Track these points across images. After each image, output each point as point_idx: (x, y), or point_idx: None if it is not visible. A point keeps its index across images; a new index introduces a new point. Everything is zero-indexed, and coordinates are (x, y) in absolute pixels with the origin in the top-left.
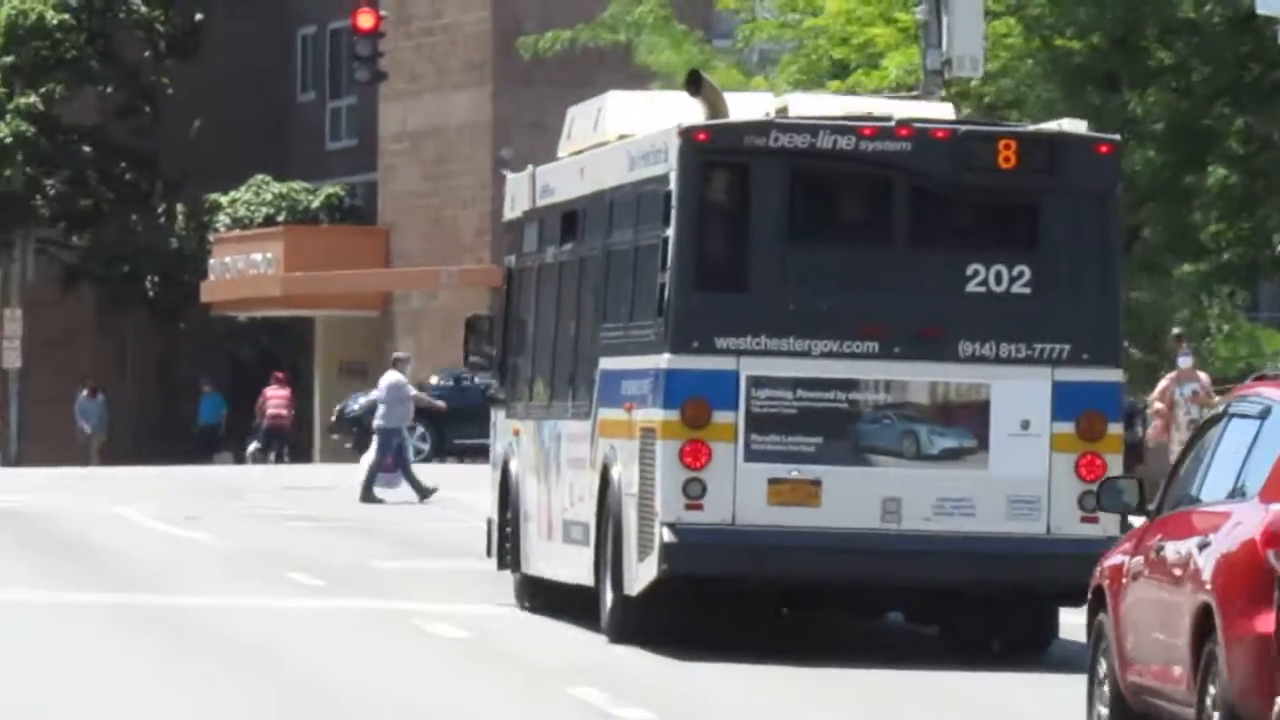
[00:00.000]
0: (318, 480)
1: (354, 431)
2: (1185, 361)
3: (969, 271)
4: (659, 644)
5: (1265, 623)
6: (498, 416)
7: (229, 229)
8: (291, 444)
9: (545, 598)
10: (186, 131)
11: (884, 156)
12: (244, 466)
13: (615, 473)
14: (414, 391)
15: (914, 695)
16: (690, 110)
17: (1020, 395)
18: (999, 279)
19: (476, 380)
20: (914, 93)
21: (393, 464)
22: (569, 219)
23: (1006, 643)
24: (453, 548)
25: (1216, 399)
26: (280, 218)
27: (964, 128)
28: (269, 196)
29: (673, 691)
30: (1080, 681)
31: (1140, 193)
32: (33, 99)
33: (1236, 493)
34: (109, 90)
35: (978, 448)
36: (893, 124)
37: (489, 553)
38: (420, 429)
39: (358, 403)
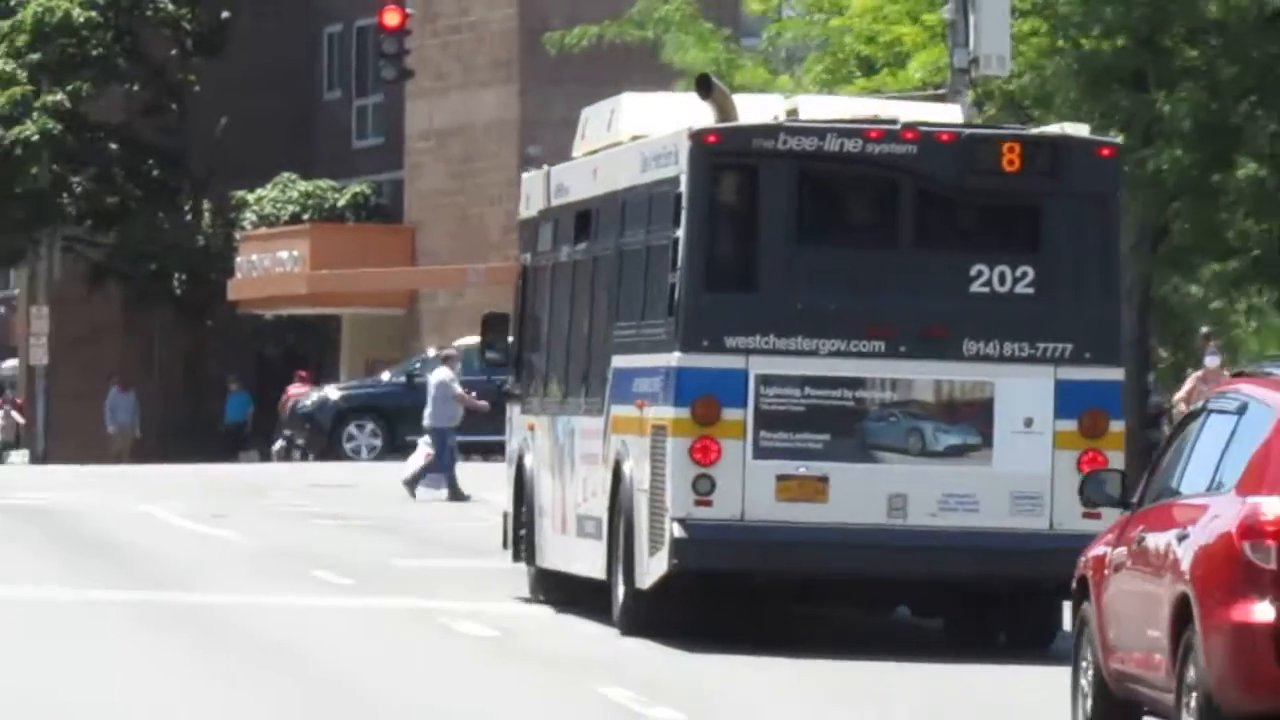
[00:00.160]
0: (343, 478)
1: (307, 429)
2: (1212, 361)
3: (973, 272)
4: (669, 637)
5: (1241, 612)
6: (513, 412)
7: (255, 227)
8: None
9: (559, 591)
10: (213, 129)
11: (890, 159)
12: (269, 464)
13: (627, 468)
14: (458, 390)
15: (930, 690)
16: (701, 112)
17: (1023, 393)
18: (1003, 280)
19: (430, 378)
20: (940, 91)
21: (440, 464)
22: (583, 218)
23: (1011, 636)
24: (478, 545)
25: None
26: (306, 216)
27: (968, 131)
28: (295, 194)
29: (698, 690)
30: None
31: (1167, 192)
32: (59, 97)
33: (1214, 486)
34: (135, 88)
35: (982, 445)
36: (898, 127)
37: (505, 545)
38: (371, 425)
39: (310, 399)
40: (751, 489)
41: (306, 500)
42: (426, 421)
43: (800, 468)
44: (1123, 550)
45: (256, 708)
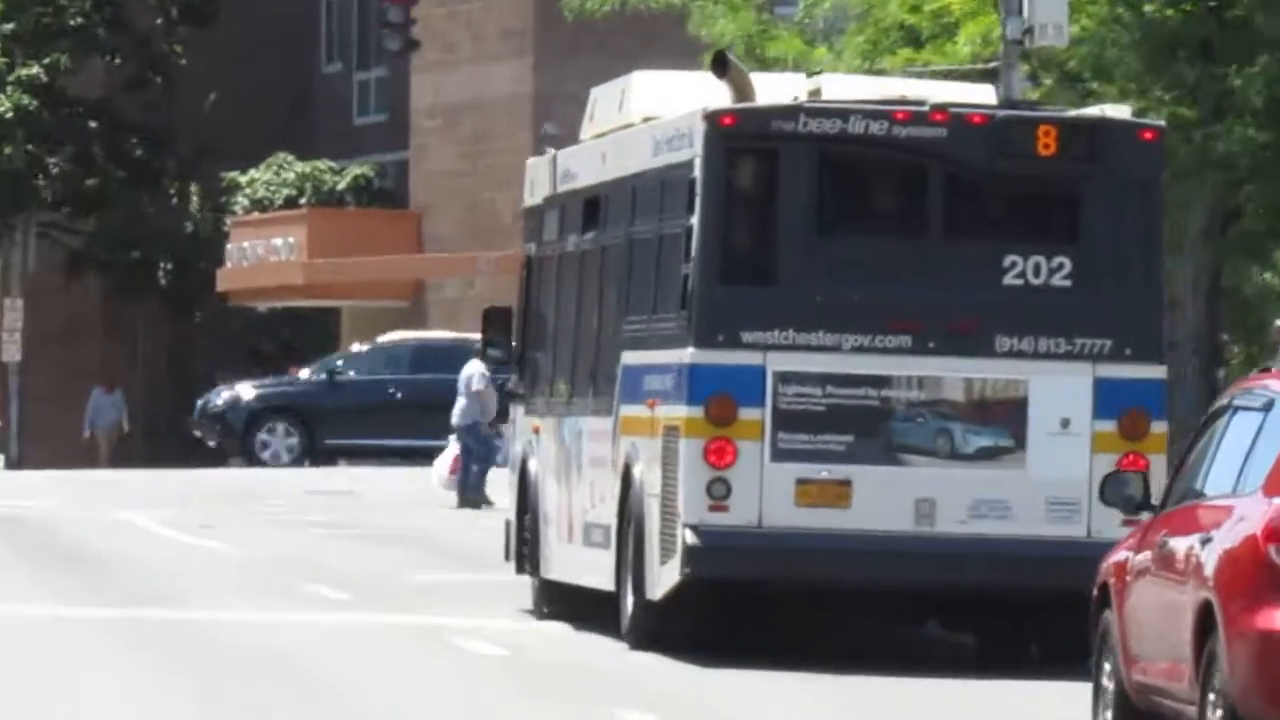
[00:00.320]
0: (341, 484)
1: (218, 429)
2: None
3: (1006, 263)
4: (681, 651)
5: (1266, 619)
6: (516, 413)
7: (247, 212)
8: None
9: (565, 604)
10: (201, 105)
11: (918, 142)
12: (261, 469)
13: (637, 472)
14: (478, 385)
15: (954, 707)
16: (718, 92)
17: (1060, 392)
18: (1037, 271)
19: (353, 375)
20: (992, 64)
21: (475, 463)
22: (591, 206)
23: (1045, 651)
24: (487, 556)
25: None
26: (303, 199)
27: (1001, 113)
28: (291, 176)
29: (715, 710)
30: None
31: (1239, 173)
32: (35, 70)
33: (1240, 487)
34: (117, 61)
35: (1015, 447)
36: (927, 108)
37: (507, 556)
38: (287, 428)
39: (221, 396)
40: (769, 493)
41: (300, 508)
42: (456, 420)
43: (821, 471)
44: (1145, 556)
45: None
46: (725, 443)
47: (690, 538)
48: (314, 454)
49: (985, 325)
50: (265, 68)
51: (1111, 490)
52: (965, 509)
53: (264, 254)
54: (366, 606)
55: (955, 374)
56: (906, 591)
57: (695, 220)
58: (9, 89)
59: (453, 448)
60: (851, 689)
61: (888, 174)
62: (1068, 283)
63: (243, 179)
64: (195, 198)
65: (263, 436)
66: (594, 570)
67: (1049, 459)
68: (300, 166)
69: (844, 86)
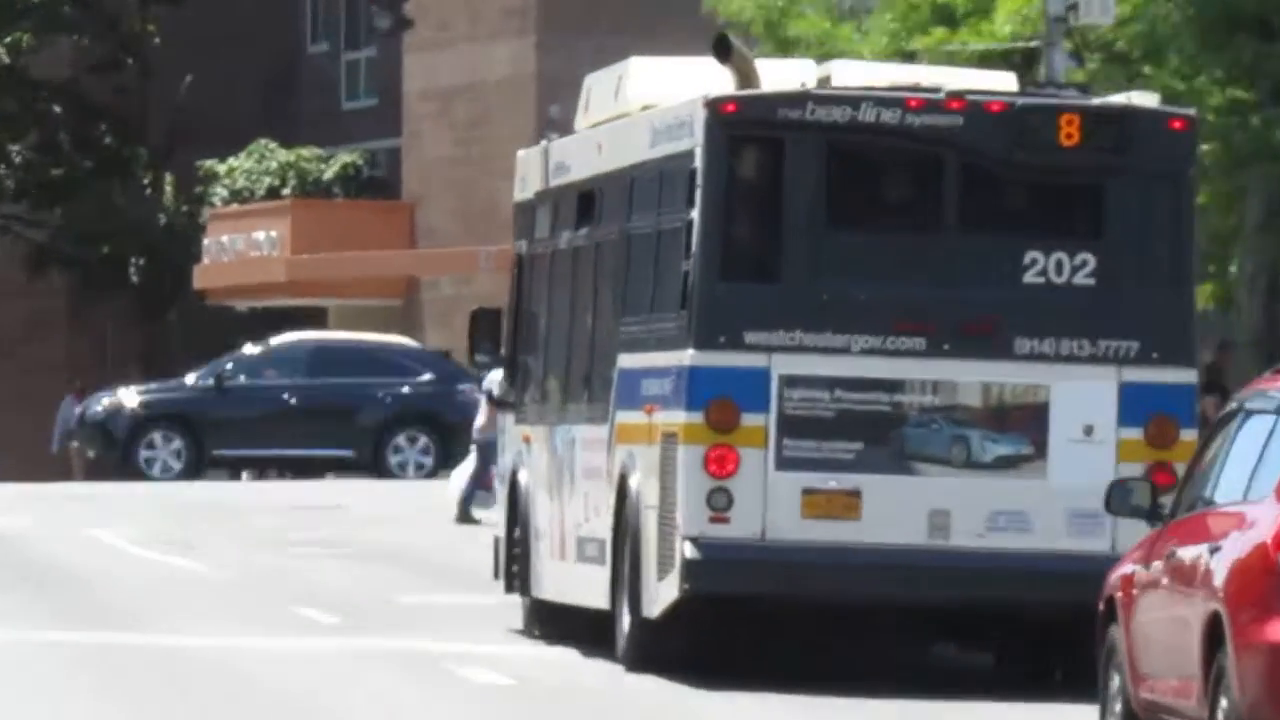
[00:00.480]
0: (329, 499)
1: (99, 439)
2: None
3: (1026, 260)
4: (679, 672)
5: (1277, 631)
6: (506, 421)
7: (226, 203)
8: None
9: (557, 624)
10: (176, 89)
11: (932, 132)
12: (241, 483)
13: (633, 483)
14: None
15: None
16: (719, 79)
17: (1083, 398)
18: (1059, 268)
19: (243, 380)
20: (1033, 43)
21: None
22: (585, 200)
23: (1069, 671)
24: (478, 574)
25: None
26: (286, 190)
27: (1021, 100)
28: (273, 165)
29: None
30: None
31: None
32: None
33: (1250, 493)
34: (85, 40)
35: (1035, 456)
36: (942, 96)
37: (496, 574)
38: (173, 438)
39: (101, 404)
40: (774, 504)
41: (286, 524)
42: (476, 434)
43: (829, 481)
44: (1153, 567)
45: None
46: (727, 450)
47: (689, 551)
48: (202, 466)
49: (1004, 326)
50: (245, 48)
51: (1117, 499)
52: (982, 521)
53: (244, 249)
54: (357, 631)
55: (972, 378)
56: (919, 609)
57: (696, 214)
58: None
59: (471, 460)
60: (860, 712)
61: (900, 165)
62: (1091, 281)
63: (221, 168)
64: (169, 188)
65: (146, 449)
66: (588, 588)
67: (1071, 468)
68: (283, 154)
69: (855, 73)
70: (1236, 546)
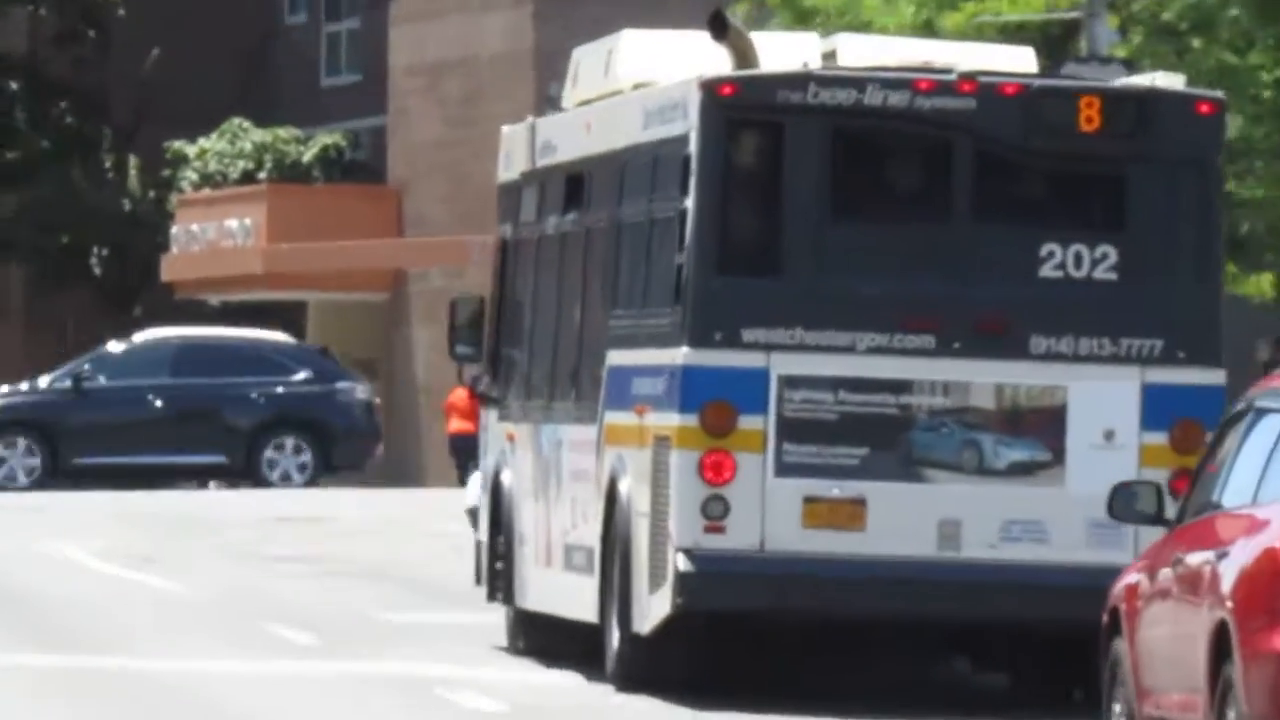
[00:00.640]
0: (310, 509)
1: None
2: None
3: (1043, 253)
4: (673, 692)
5: None
6: (489, 418)
7: (196, 188)
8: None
9: (542, 636)
10: (142, 63)
11: (943, 116)
12: (211, 492)
13: (624, 488)
14: None
15: None
16: (718, 56)
17: (1103, 400)
18: (1078, 262)
19: (103, 382)
20: (1074, 14)
21: None
22: (573, 183)
23: (1090, 692)
24: (469, 592)
25: None
26: (262, 174)
27: (1038, 83)
28: (247, 147)
29: None
30: None
31: None
32: None
33: (1260, 496)
34: (42, 10)
35: (1052, 461)
36: (953, 77)
37: (478, 581)
38: (25, 443)
39: None
40: (773, 514)
41: (262, 537)
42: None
43: (832, 488)
44: (1158, 576)
45: None
46: (723, 456)
47: (683, 564)
48: (58, 475)
49: (1019, 323)
50: (217, 19)
51: (1121, 503)
52: (995, 532)
53: (216, 238)
54: (335, 652)
55: (984, 379)
56: (928, 625)
57: (690, 202)
58: None
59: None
60: None
61: (909, 151)
62: (1112, 275)
63: (190, 150)
64: (134, 171)
65: None
66: (575, 599)
67: (1091, 475)
68: (258, 135)
69: (863, 49)
70: (1244, 552)
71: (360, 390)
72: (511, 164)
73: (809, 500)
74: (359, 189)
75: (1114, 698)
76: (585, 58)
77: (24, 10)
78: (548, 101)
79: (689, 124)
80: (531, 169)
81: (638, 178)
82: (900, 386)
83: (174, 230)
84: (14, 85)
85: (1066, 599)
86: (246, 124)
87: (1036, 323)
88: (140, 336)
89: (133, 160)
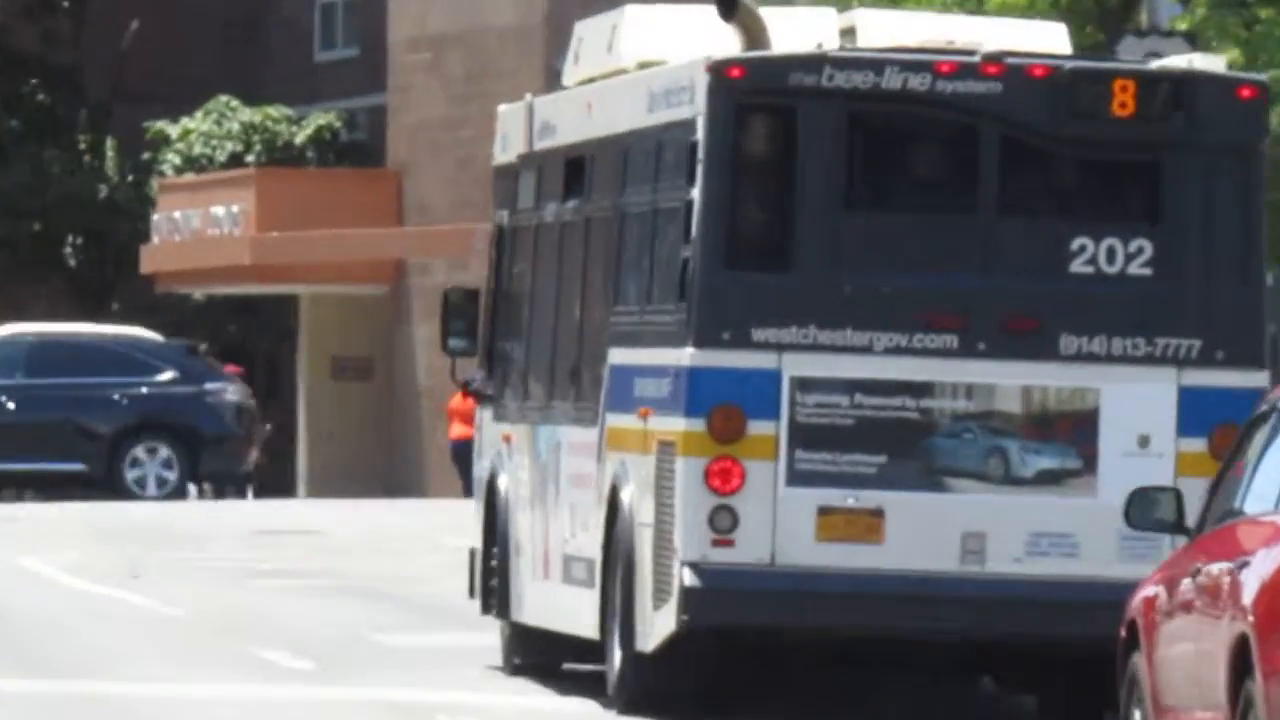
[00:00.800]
0: (301, 523)
1: None
2: None
3: (1074, 247)
4: (678, 714)
5: None
6: (484, 417)
7: (180, 172)
8: (250, 472)
9: (540, 652)
10: (120, 37)
11: (967, 100)
12: (193, 502)
13: (626, 497)
14: None
15: None
16: (728, 35)
17: (1137, 403)
18: (1111, 257)
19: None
20: None
21: None
22: (574, 168)
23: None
24: (472, 611)
25: None
26: (251, 156)
27: (1069, 65)
28: (235, 127)
29: None
30: None
31: None
32: None
33: None
34: None
35: (1083, 470)
36: (977, 59)
37: (471, 593)
38: None
39: None
40: (785, 525)
41: (250, 553)
42: None
43: (848, 498)
44: (1177, 588)
45: None
46: (732, 463)
47: (689, 578)
48: None
49: (1048, 322)
50: None
51: (1138, 510)
52: (1022, 544)
53: (201, 226)
54: (332, 678)
55: (1011, 381)
56: (951, 643)
57: (697, 192)
58: None
59: None
60: None
61: (930, 138)
62: (1147, 271)
63: (173, 130)
64: (111, 154)
65: None
66: (575, 614)
67: (1124, 484)
68: (246, 114)
69: (887, 27)
70: (1266, 561)
71: (232, 392)
72: (508, 146)
73: (823, 511)
74: (355, 173)
75: (1131, 716)
76: (588, 33)
77: None
78: (559, 79)
79: (695, 108)
80: (529, 152)
81: (641, 164)
82: (921, 389)
83: (155, 218)
84: None
85: (1097, 616)
86: (234, 102)
87: (1067, 321)
88: None
89: (110, 142)
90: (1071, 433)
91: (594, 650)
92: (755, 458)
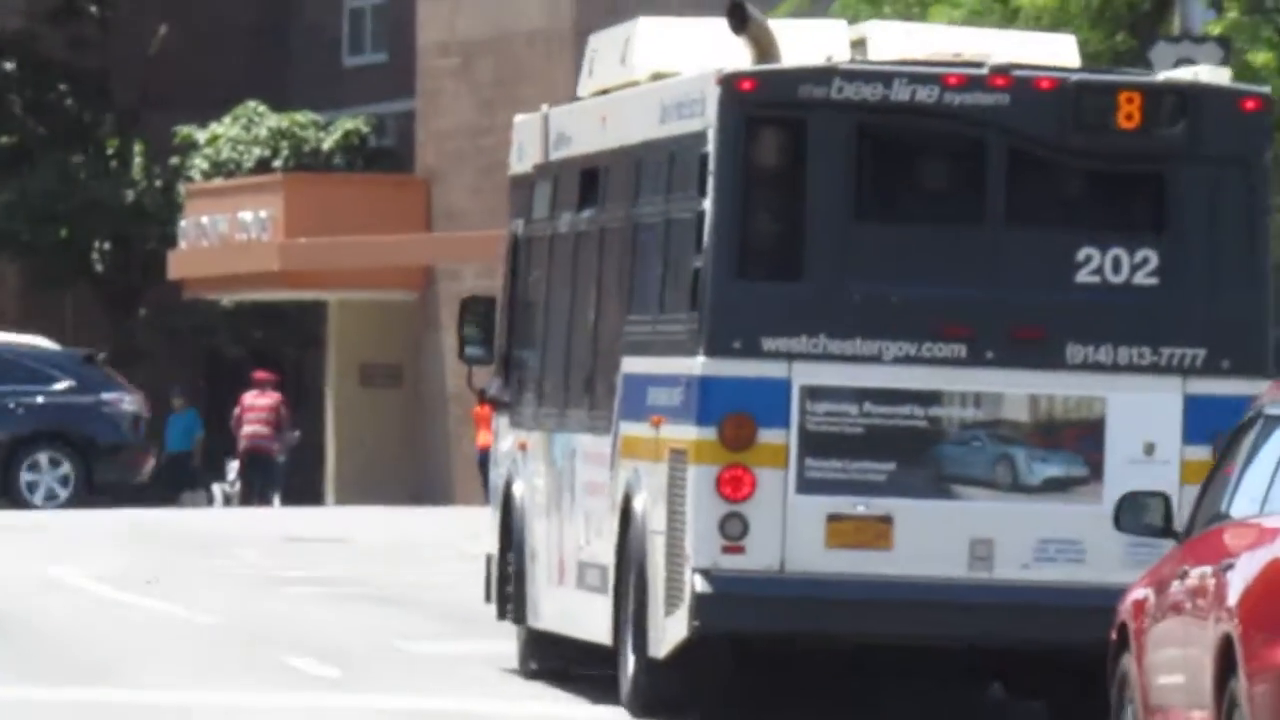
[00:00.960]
0: (329, 530)
1: None
2: None
3: (1080, 257)
4: (688, 719)
5: None
6: (500, 424)
7: (208, 177)
8: (279, 477)
9: (557, 657)
10: (147, 42)
11: (974, 112)
12: (220, 509)
13: (638, 504)
14: None
15: None
16: (740, 48)
17: (1143, 412)
18: (1117, 266)
19: None
20: None
21: None
22: (588, 178)
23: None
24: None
25: None
26: (278, 162)
27: (1074, 77)
28: (263, 132)
29: None
30: None
31: None
32: None
33: (1268, 505)
34: None
35: (1089, 477)
36: (984, 71)
37: (488, 598)
38: None
39: None
40: (795, 532)
41: (277, 560)
42: None
43: (857, 506)
44: (1165, 589)
45: None
46: (742, 471)
47: (700, 585)
48: None
49: (1054, 331)
50: None
51: (1128, 515)
52: (1030, 551)
53: (228, 231)
54: (358, 685)
55: (1018, 389)
56: (959, 649)
57: (708, 203)
58: None
59: None
60: None
61: (938, 149)
62: (1153, 281)
63: (201, 135)
64: (139, 159)
65: None
66: (589, 619)
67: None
68: (274, 119)
69: (895, 37)
70: (1251, 564)
71: (128, 401)
72: (524, 156)
73: (833, 518)
74: (384, 179)
75: (1123, 716)
76: (602, 45)
77: None
78: None
79: (707, 121)
80: (545, 162)
81: (654, 175)
82: (929, 398)
83: (182, 223)
84: (8, 66)
85: (1104, 621)
86: (262, 108)
87: (1073, 331)
88: None
89: (137, 147)
90: (1078, 440)
91: (609, 655)
92: (766, 465)
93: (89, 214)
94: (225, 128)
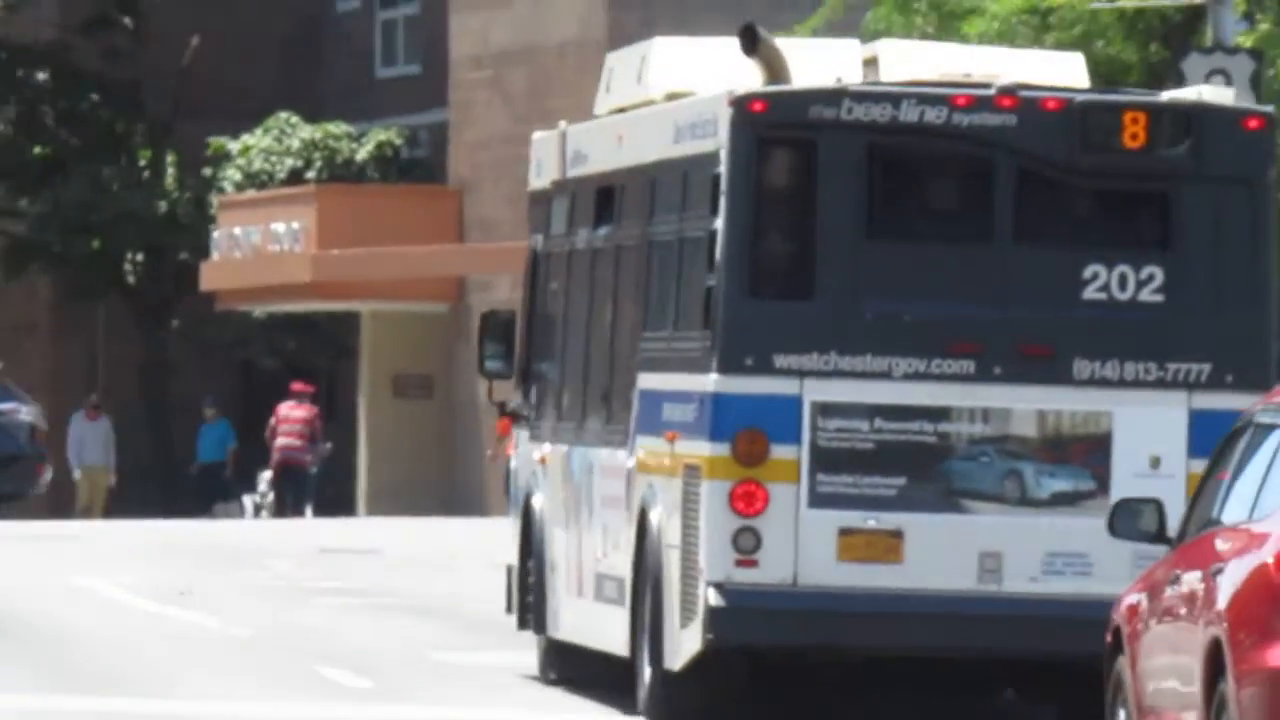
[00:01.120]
0: (362, 541)
1: None
2: None
3: (1086, 275)
4: None
5: (1278, 656)
6: (520, 437)
7: (240, 188)
8: (311, 489)
9: (575, 667)
10: (180, 53)
11: (982, 132)
12: (252, 520)
13: (654, 518)
14: None
15: None
16: (751, 71)
17: (1149, 426)
18: (1123, 284)
19: None
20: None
21: None
22: (604, 196)
23: None
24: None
25: None
26: (311, 173)
27: (1080, 97)
28: (295, 143)
29: None
30: None
31: None
32: None
33: (1257, 511)
34: None
35: (1097, 491)
36: (992, 92)
37: (509, 608)
38: None
39: None
40: (807, 546)
41: (310, 571)
42: None
43: (868, 520)
44: (1158, 594)
45: None
46: (755, 486)
47: (714, 598)
48: None
49: (1062, 348)
50: (262, 4)
51: (1121, 521)
52: (1038, 564)
53: (261, 242)
54: (390, 696)
55: (1026, 405)
56: (969, 661)
57: (721, 222)
58: None
59: None
60: None
61: (947, 169)
62: (1159, 298)
63: (233, 146)
64: (172, 170)
65: None
66: (606, 631)
67: None
68: (307, 131)
69: (906, 57)
70: (1239, 568)
71: (25, 412)
72: (543, 172)
73: (844, 532)
74: (416, 190)
75: (1117, 717)
76: (618, 64)
77: None
78: None
79: (719, 141)
80: (562, 179)
81: (668, 194)
82: (939, 414)
83: (215, 234)
84: (41, 77)
85: None
86: (294, 119)
87: (1080, 347)
88: None
89: (170, 158)
90: (1085, 455)
91: (627, 666)
92: (778, 480)
93: (121, 225)
94: (258, 139)
